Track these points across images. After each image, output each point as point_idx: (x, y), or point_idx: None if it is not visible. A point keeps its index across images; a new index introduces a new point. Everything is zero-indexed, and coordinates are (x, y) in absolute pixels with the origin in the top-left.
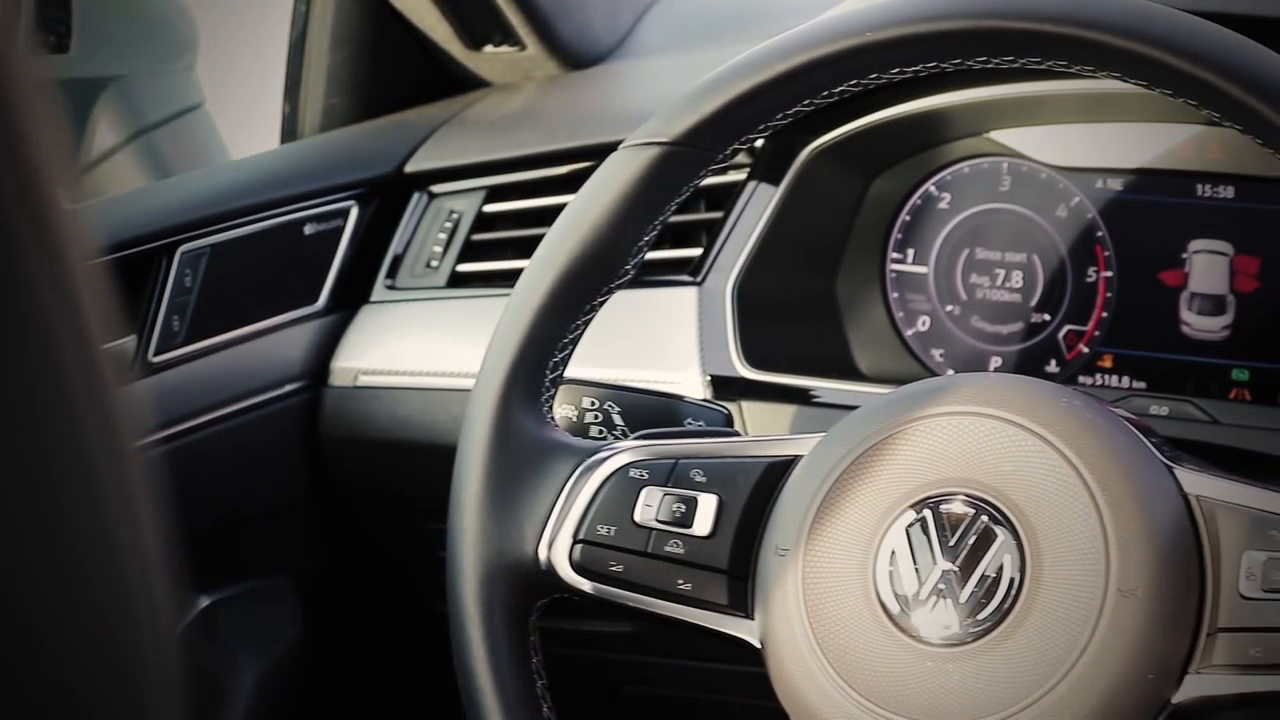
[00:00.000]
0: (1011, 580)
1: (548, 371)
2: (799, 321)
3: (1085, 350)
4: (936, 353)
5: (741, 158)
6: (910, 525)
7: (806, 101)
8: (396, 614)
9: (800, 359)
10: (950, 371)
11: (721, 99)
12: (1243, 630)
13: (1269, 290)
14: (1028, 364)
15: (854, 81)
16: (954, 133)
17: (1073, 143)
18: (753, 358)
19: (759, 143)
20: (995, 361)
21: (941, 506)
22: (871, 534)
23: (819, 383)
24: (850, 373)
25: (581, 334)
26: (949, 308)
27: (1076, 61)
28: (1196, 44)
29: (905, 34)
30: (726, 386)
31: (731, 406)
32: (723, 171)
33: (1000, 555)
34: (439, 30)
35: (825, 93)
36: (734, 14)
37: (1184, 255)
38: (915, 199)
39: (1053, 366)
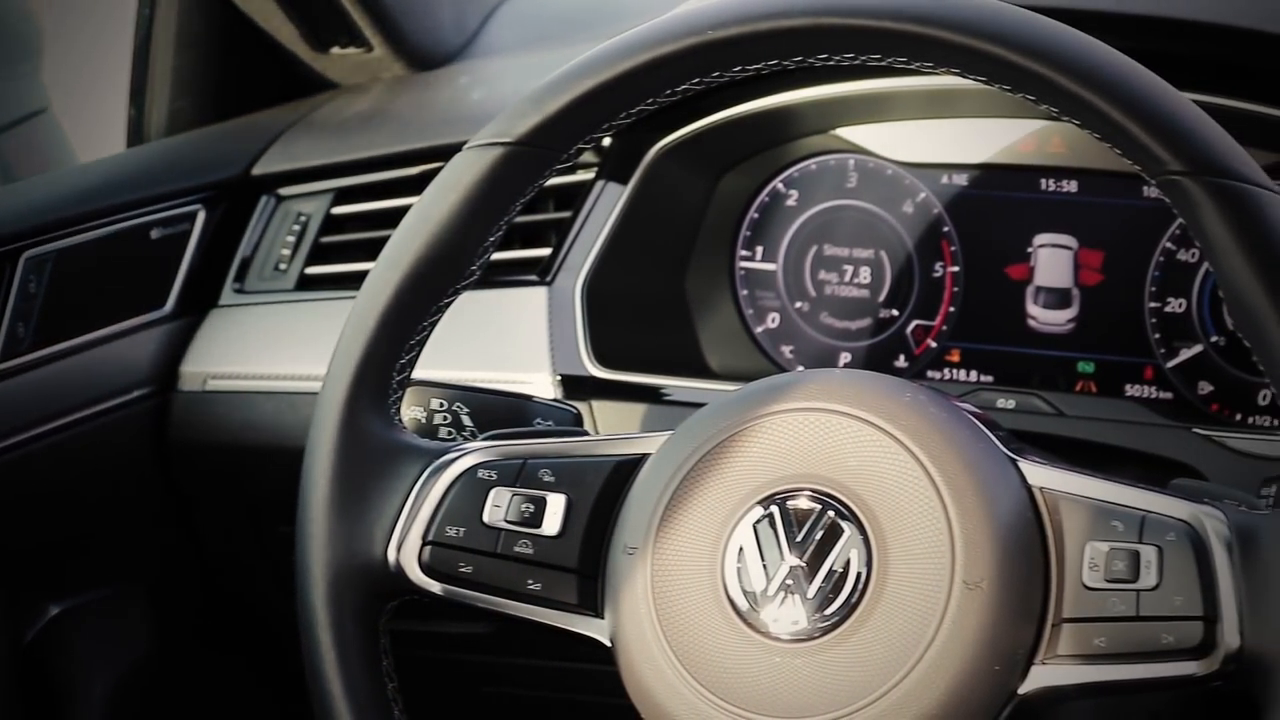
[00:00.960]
0: (858, 575)
1: (394, 374)
2: (649, 320)
3: (933, 345)
4: (786, 349)
5: (589, 157)
6: (758, 522)
7: (650, 100)
8: (249, 619)
9: (651, 358)
10: (800, 368)
11: (564, 99)
12: (1086, 620)
13: (1112, 283)
14: (877, 359)
15: (696, 80)
16: (801, 130)
17: (919, 139)
18: (603, 357)
19: (606, 142)
20: (845, 357)
21: (788, 502)
22: (719, 531)
23: (669, 381)
24: (701, 371)
25: (428, 336)
26: (798, 304)
27: (916, 58)
28: (1033, 39)
29: (745, 32)
30: (577, 386)
31: (582, 406)
32: (571, 171)
33: (847, 550)
34: (285, 32)
35: (668, 91)
36: (581, 13)
37: (1029, 249)
38: (763, 196)
39: (901, 361)
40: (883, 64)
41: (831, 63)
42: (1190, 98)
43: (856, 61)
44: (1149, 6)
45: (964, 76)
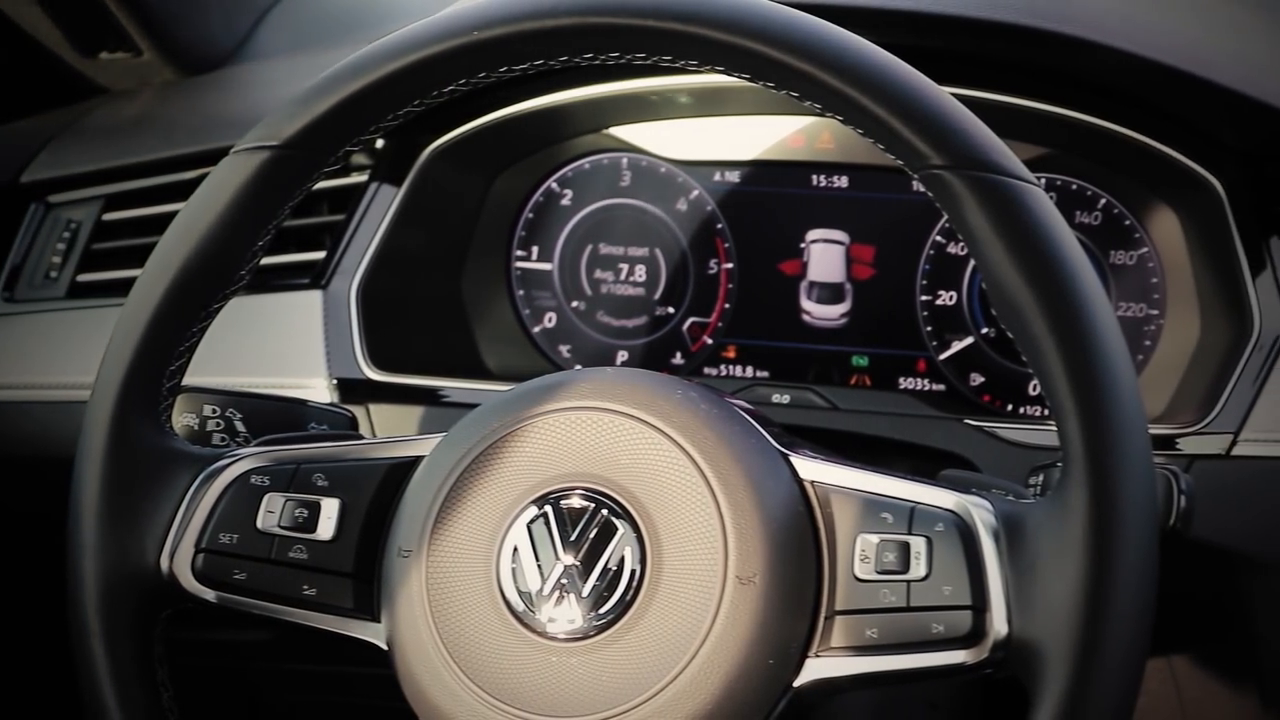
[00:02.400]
0: (633, 572)
1: (164, 380)
2: (426, 322)
3: (709, 342)
4: (564, 349)
5: (362, 159)
6: (532, 521)
7: (416, 102)
8: (27, 631)
9: (428, 359)
10: (578, 366)
11: (330, 101)
12: (859, 612)
13: (884, 277)
14: (654, 357)
15: (464, 81)
16: (574, 130)
17: (692, 137)
18: (379, 360)
19: (379, 144)
20: (622, 355)
21: (562, 502)
22: (493, 532)
23: (447, 383)
24: (479, 372)
25: (198, 342)
26: (574, 304)
27: (681, 57)
28: (794, 36)
29: (510, 33)
30: (354, 390)
31: (359, 410)
32: (344, 174)
33: (621, 548)
34: (51, 37)
35: (435, 93)
36: (352, 15)
37: (802, 245)
38: (537, 196)
39: (678, 359)
40: (648, 63)
41: (598, 62)
42: (952, 92)
43: (622, 61)
44: (910, 3)
45: (728, 74)
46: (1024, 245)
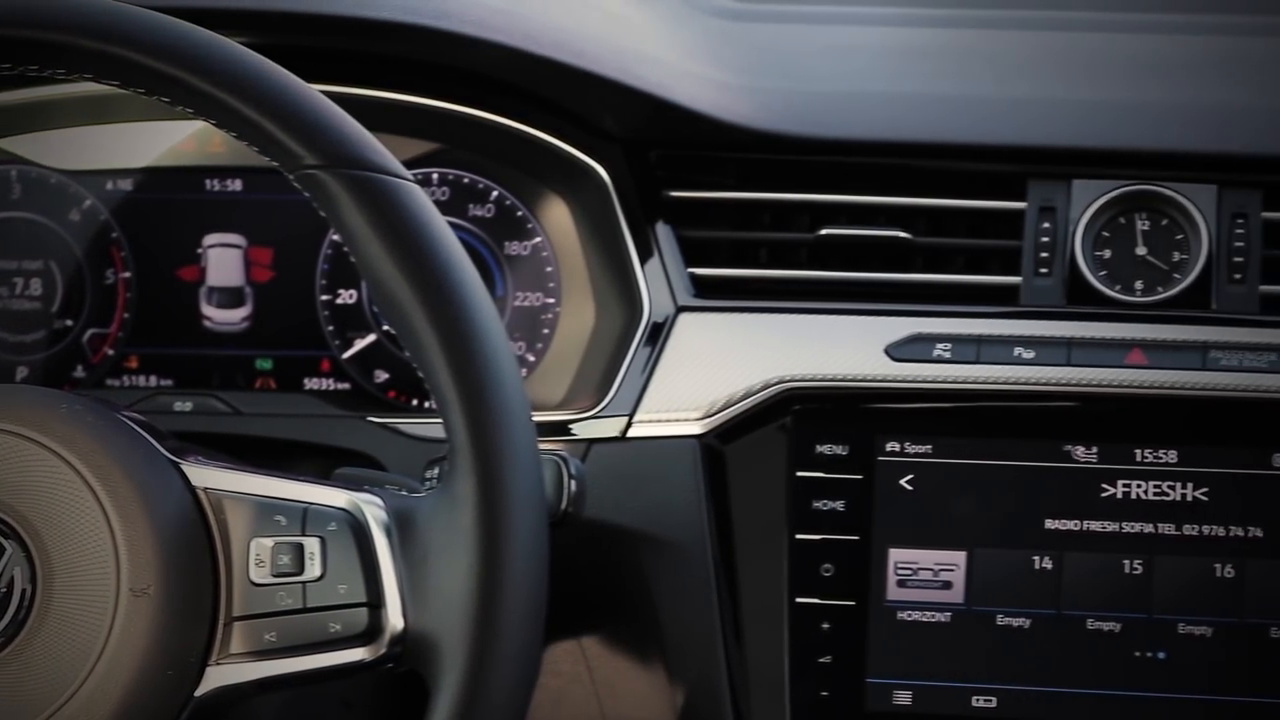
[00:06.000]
0: (23, 592)
1: None
2: None
3: (111, 352)
4: None
5: None
6: None
7: None
8: None
9: None
10: None
11: None
12: (256, 617)
13: (284, 279)
14: (55, 371)
15: None
16: None
17: (82, 146)
18: None
19: None
20: (22, 371)
21: None
22: None
23: None
24: None
25: None
26: None
27: (48, 65)
28: (158, 40)
29: None
30: None
31: None
32: None
33: (10, 569)
34: None
35: None
36: None
37: (199, 250)
38: None
39: (80, 372)
40: (14, 72)
41: None
42: (332, 91)
43: None
44: (281, 3)
45: (100, 82)
46: (400, 242)
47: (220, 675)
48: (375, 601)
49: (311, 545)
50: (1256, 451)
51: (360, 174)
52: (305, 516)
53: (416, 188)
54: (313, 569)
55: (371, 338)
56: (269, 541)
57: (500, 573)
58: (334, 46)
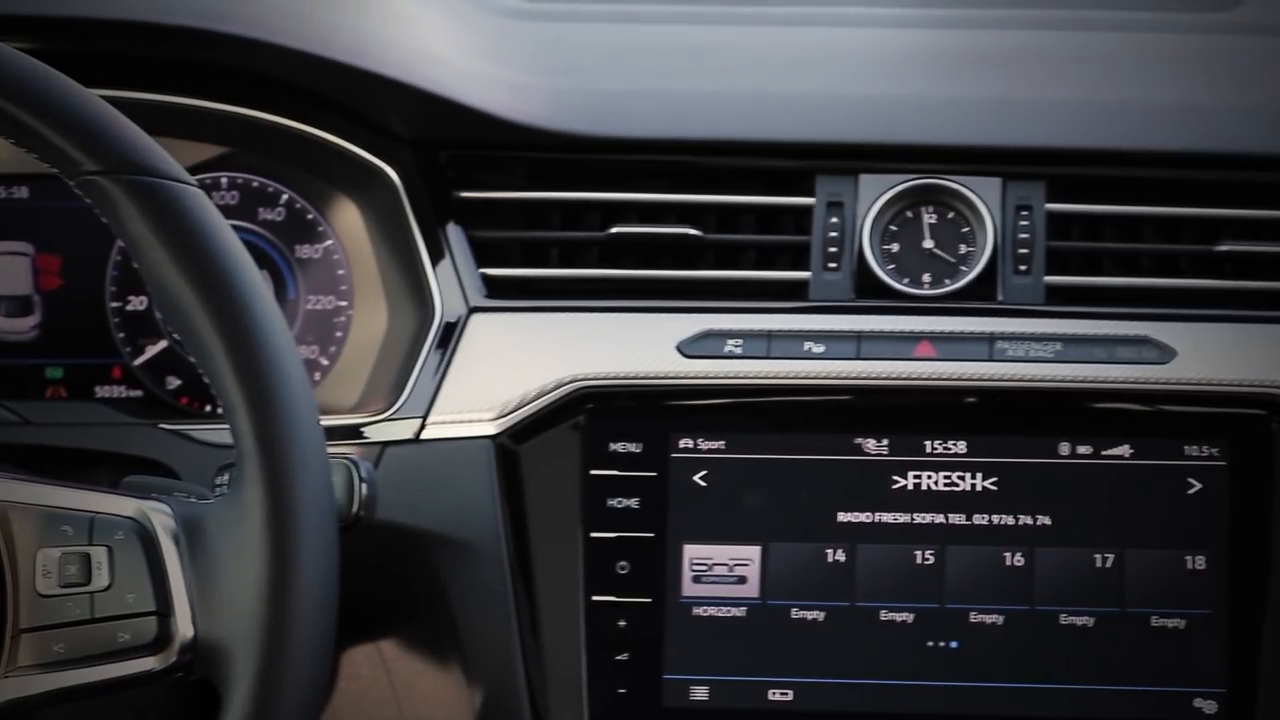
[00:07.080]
0: None
1: None
2: None
3: None
4: None
5: None
6: None
7: None
8: None
9: None
10: None
11: None
12: (44, 628)
13: (73, 286)
14: None
15: None
16: None
17: None
18: None
19: None
20: None
21: None
22: None
23: None
24: None
25: None
26: None
27: None
28: None
29: None
30: None
31: None
32: None
33: None
34: None
35: None
36: None
37: None
38: None
39: None
40: None
41: None
42: (113, 95)
43: None
44: (58, 7)
45: None
46: (181, 247)
47: (9, 688)
48: (164, 610)
49: (99, 555)
50: (1043, 441)
51: (140, 179)
52: (92, 526)
53: (199, 192)
54: (100, 579)
55: (163, 344)
56: (55, 552)
57: (289, 579)
58: (118, 51)
